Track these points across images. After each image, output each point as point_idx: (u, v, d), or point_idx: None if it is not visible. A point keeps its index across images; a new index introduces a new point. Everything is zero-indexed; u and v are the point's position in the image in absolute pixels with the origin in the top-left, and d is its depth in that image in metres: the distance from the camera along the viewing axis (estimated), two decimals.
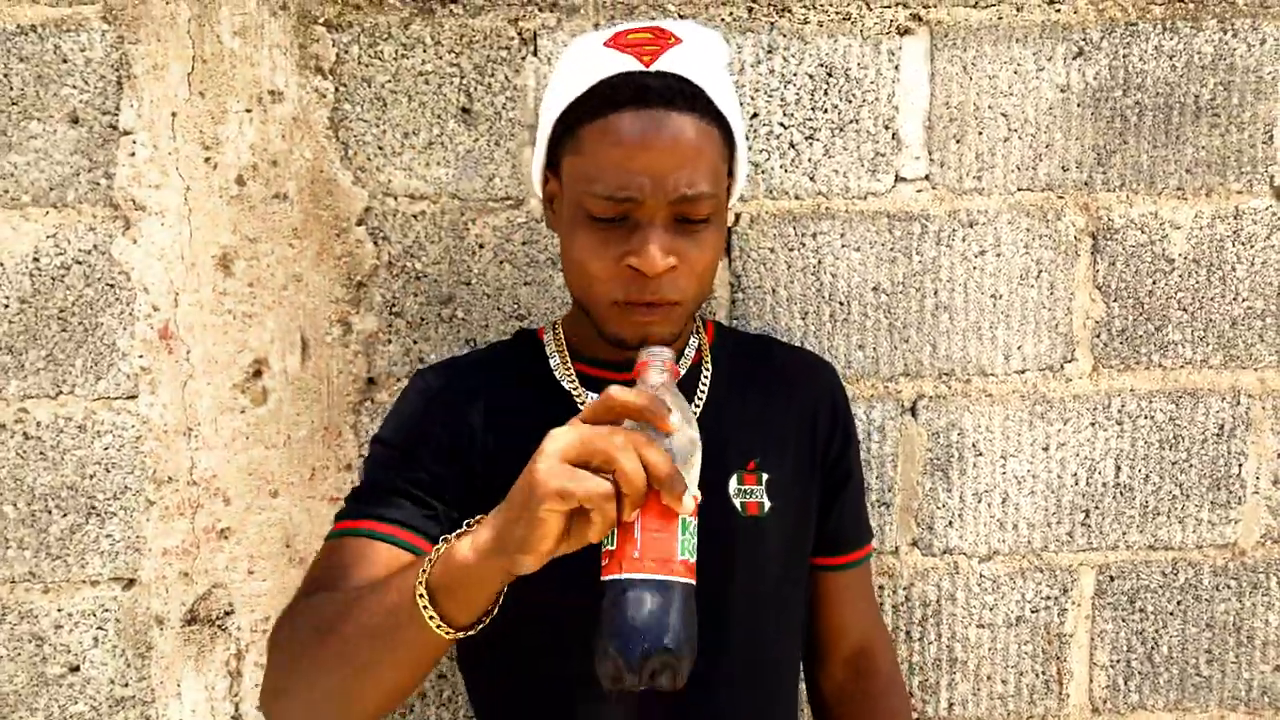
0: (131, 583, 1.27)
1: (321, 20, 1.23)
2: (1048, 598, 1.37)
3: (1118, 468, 1.36)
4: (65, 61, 1.21)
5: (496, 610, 0.77)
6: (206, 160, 1.23)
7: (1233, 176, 1.33)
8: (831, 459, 1.07)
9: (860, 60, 1.28)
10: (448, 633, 0.74)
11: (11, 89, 1.21)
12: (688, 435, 0.71)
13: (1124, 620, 1.38)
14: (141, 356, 1.25)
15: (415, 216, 1.26)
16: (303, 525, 1.28)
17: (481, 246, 1.27)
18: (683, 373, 1.01)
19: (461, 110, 1.25)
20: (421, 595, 0.74)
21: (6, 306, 1.23)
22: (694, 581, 0.70)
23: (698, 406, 1.01)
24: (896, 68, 1.29)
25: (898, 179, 1.31)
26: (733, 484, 0.98)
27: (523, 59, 1.25)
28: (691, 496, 0.69)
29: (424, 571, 0.75)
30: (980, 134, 1.31)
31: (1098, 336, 1.34)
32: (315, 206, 1.25)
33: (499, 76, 1.25)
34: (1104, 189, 1.32)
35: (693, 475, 0.71)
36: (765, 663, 1.01)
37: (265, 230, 1.24)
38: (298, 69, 1.23)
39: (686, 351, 1.03)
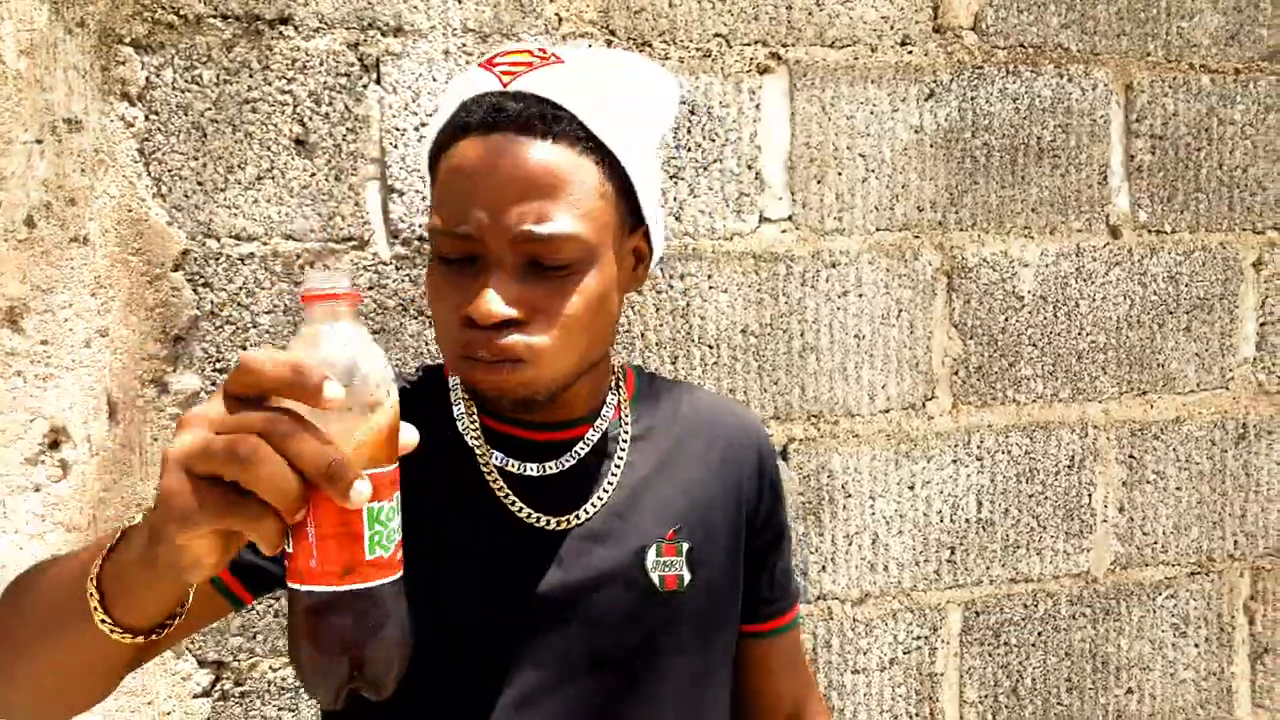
0: None
1: (128, 40, 1.08)
2: (918, 638, 1.36)
3: (979, 503, 1.37)
4: None
5: (183, 614, 0.65)
6: None
7: (1073, 215, 1.38)
8: (761, 519, 0.97)
9: (722, 98, 1.25)
10: (120, 635, 0.62)
11: None
12: (365, 388, 0.55)
13: (990, 655, 1.39)
14: None
15: (243, 259, 1.13)
16: None
17: None
18: (601, 431, 0.91)
19: (296, 142, 1.13)
20: (93, 595, 0.62)
21: None
22: (393, 577, 0.57)
23: (617, 470, 0.90)
24: (758, 106, 1.26)
25: (762, 219, 1.28)
26: (650, 556, 0.88)
27: (364, 87, 1.15)
28: (367, 480, 0.53)
29: (97, 566, 0.62)
30: (840, 174, 1.30)
31: (956, 374, 1.35)
32: (123, 250, 1.09)
33: (338, 106, 1.14)
34: (957, 228, 1.34)
35: (374, 427, 0.55)
36: None
37: (61, 279, 1.08)
38: (100, 94, 1.08)
39: (604, 411, 0.91)
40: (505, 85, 0.77)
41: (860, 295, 1.31)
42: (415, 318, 1.17)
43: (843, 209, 1.30)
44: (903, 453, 1.34)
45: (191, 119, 1.10)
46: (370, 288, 1.16)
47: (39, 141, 1.07)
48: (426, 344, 1.17)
